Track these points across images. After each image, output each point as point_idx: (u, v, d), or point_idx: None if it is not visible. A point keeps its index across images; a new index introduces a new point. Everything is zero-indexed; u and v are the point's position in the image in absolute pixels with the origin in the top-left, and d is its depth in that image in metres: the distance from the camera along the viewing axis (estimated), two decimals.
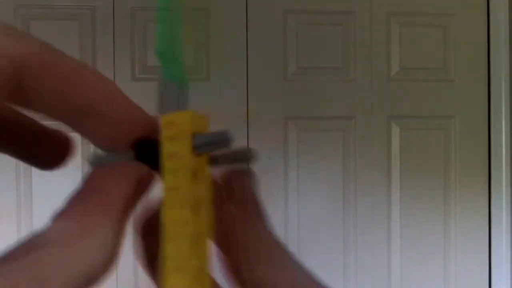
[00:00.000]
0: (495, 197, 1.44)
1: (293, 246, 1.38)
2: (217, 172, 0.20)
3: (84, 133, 0.17)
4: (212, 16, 1.36)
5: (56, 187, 1.30)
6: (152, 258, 0.18)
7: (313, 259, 1.41)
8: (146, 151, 0.17)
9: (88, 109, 0.16)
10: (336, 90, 1.41)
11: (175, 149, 0.17)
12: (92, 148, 0.18)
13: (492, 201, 1.45)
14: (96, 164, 0.18)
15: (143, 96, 1.44)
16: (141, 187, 0.17)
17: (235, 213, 0.18)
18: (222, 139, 0.17)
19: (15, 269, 0.13)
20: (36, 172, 1.27)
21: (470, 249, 1.45)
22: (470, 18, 1.46)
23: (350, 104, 1.41)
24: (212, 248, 0.18)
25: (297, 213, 1.39)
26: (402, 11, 1.44)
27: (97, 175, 0.17)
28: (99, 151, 0.18)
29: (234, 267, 0.18)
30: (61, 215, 0.16)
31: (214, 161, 0.18)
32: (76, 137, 0.19)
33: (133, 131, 0.17)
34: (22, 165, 1.27)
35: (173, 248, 0.16)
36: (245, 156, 0.19)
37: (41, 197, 1.28)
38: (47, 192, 1.28)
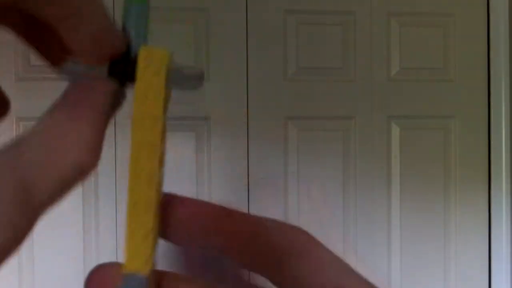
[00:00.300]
0: (495, 197, 1.44)
1: None
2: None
3: (65, 42, 0.19)
4: (212, 16, 1.36)
5: None
6: None
7: None
8: (120, 70, 0.20)
9: (74, 18, 0.18)
10: (336, 90, 1.41)
11: (150, 80, 0.19)
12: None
13: (492, 201, 1.45)
14: (70, 73, 0.20)
15: None
16: (115, 102, 0.20)
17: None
18: (193, 77, 0.20)
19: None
20: None
21: (470, 249, 1.45)
22: (470, 18, 1.46)
23: (350, 104, 1.41)
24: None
25: (297, 213, 1.39)
26: (402, 11, 1.44)
27: (77, 87, 0.19)
28: (75, 63, 0.20)
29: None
30: (44, 119, 0.18)
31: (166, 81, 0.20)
32: None
33: (109, 48, 0.19)
34: None
35: (138, 166, 0.20)
36: (195, 76, 0.21)
37: None
38: None
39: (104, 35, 0.19)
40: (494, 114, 1.44)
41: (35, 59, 1.28)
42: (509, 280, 1.41)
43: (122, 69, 0.20)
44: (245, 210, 1.38)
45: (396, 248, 1.43)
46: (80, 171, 0.18)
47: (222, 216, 0.20)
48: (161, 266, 0.19)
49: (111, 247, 1.31)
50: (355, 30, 1.42)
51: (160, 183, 0.21)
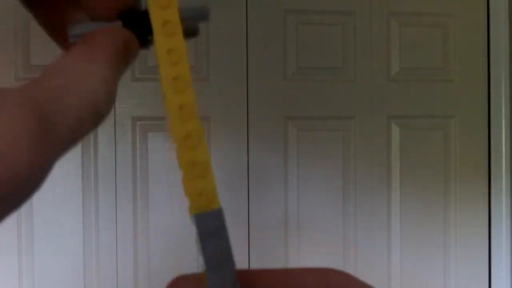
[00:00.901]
0: (495, 197, 1.44)
1: (293, 245, 1.38)
2: None
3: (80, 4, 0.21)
4: (212, 16, 1.36)
5: (56, 190, 1.30)
6: None
7: (313, 259, 1.41)
8: (132, 20, 0.21)
9: None
10: (336, 90, 1.41)
11: (167, 17, 0.20)
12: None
13: (492, 201, 1.45)
14: (79, 35, 0.21)
15: (143, 96, 1.44)
16: (129, 46, 0.21)
17: None
18: (202, 13, 0.23)
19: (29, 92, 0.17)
20: None
21: (470, 249, 1.45)
22: (470, 18, 1.46)
23: (350, 104, 1.41)
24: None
25: (297, 213, 1.39)
26: (402, 11, 1.44)
27: (92, 34, 0.20)
28: (83, 23, 0.21)
29: None
30: (63, 58, 0.19)
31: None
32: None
33: (119, 4, 0.21)
34: None
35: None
36: (202, 13, 0.23)
37: (41, 201, 1.28)
38: (48, 195, 1.28)
39: None
40: (494, 114, 1.44)
41: (35, 59, 1.28)
42: (509, 280, 1.41)
43: (134, 19, 0.21)
44: (245, 210, 1.38)
45: (396, 247, 1.43)
46: (96, 107, 0.18)
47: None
48: None
49: (111, 247, 1.31)
50: (355, 30, 1.42)
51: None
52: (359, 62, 1.42)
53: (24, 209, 1.28)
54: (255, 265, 1.34)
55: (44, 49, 1.19)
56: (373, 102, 1.42)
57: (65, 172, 1.29)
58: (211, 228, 0.18)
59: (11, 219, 1.28)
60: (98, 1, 0.20)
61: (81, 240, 1.30)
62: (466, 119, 1.45)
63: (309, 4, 1.40)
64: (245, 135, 1.36)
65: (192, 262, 1.31)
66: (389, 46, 1.43)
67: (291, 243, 1.38)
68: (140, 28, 0.21)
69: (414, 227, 1.43)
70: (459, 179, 1.45)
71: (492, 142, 1.45)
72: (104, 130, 1.30)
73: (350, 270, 1.48)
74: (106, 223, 1.31)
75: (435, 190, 1.44)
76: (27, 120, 0.16)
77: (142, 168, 1.32)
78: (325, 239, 1.40)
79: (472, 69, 1.46)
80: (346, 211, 1.41)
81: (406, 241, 1.43)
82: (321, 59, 1.41)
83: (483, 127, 1.46)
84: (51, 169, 0.17)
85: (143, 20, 0.21)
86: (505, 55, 1.42)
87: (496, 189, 1.43)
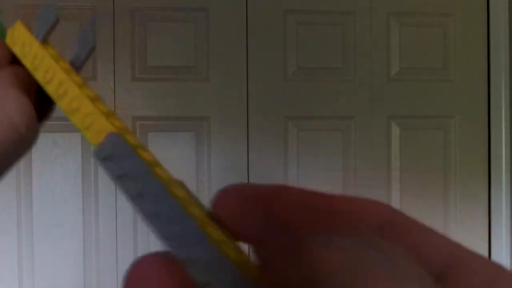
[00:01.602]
0: (495, 196, 1.44)
1: None
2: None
3: None
4: (212, 16, 1.36)
5: (56, 190, 1.30)
6: None
7: None
8: None
9: None
10: (336, 90, 1.41)
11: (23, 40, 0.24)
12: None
13: (492, 200, 1.45)
14: None
15: (143, 96, 1.44)
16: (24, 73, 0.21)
17: None
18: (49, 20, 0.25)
19: None
20: (36, 173, 1.27)
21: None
22: (470, 18, 1.46)
23: (350, 104, 1.41)
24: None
25: None
26: (402, 11, 1.44)
27: None
28: None
29: None
30: None
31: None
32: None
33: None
34: (23, 166, 1.26)
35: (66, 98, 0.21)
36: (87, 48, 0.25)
37: (41, 201, 1.28)
38: (48, 195, 1.28)
39: None
40: (494, 114, 1.45)
41: None
42: None
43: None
44: None
45: None
46: (15, 130, 0.18)
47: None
48: None
49: (111, 247, 1.31)
50: (355, 30, 1.42)
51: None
52: (359, 62, 1.42)
53: (24, 209, 1.28)
54: None
55: None
56: (373, 102, 1.42)
57: (65, 172, 1.29)
58: (113, 150, 0.17)
59: (11, 220, 1.28)
60: None
61: (81, 240, 1.30)
62: (466, 119, 1.45)
63: (309, 4, 1.40)
64: (245, 135, 1.36)
65: None
66: (389, 46, 1.43)
67: None
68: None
69: None
70: (459, 179, 1.45)
71: (492, 142, 1.45)
72: None
73: None
74: (106, 223, 1.31)
75: (435, 190, 1.44)
76: None
77: None
78: None
79: (472, 69, 1.46)
80: None
81: None
82: (321, 59, 1.41)
83: (483, 127, 1.46)
84: None
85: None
86: (505, 55, 1.42)
87: (496, 189, 1.43)
